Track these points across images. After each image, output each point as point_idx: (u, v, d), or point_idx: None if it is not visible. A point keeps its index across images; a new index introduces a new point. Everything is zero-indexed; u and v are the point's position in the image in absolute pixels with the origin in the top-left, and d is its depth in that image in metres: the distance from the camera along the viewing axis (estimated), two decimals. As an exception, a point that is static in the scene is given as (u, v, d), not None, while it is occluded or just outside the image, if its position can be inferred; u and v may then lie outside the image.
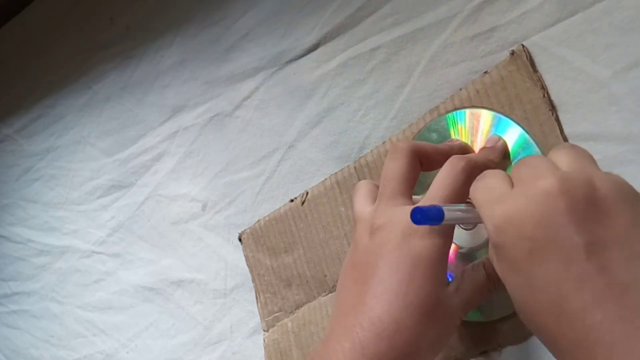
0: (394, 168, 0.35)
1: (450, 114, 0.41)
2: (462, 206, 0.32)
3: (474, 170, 0.33)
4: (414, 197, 0.36)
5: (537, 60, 0.38)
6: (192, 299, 0.58)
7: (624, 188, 0.26)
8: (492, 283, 0.34)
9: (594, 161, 0.28)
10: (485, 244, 0.38)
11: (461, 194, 0.33)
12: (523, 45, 0.38)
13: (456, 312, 0.33)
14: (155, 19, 0.59)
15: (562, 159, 0.28)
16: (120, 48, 0.62)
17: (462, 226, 0.39)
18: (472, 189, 0.30)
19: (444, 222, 0.29)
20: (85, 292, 0.67)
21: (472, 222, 0.36)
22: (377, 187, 0.37)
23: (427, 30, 0.43)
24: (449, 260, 0.36)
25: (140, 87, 0.61)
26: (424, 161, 0.36)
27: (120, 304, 0.64)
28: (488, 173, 0.30)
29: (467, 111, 0.40)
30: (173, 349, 0.59)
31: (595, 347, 0.23)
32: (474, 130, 0.39)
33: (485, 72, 0.39)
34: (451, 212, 0.30)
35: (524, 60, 0.38)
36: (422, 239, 0.32)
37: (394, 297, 0.31)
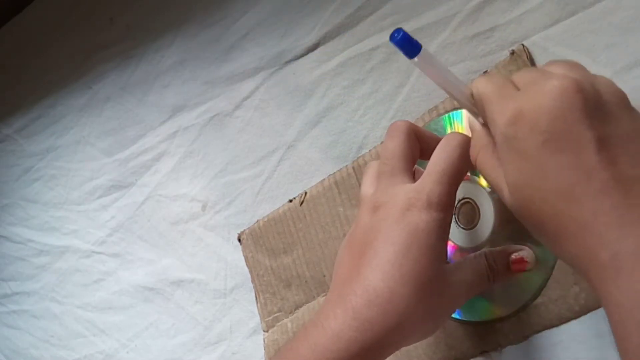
0: (392, 146, 0.35)
1: (447, 114, 0.41)
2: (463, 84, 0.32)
3: (469, 147, 0.33)
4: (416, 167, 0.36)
5: (537, 60, 0.38)
6: (192, 299, 0.58)
7: (622, 94, 0.28)
8: (492, 273, 0.34)
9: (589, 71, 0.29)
10: (485, 244, 0.38)
11: (457, 168, 0.33)
12: (523, 45, 0.38)
13: (454, 291, 0.32)
14: (155, 19, 0.59)
15: (559, 69, 0.29)
16: (120, 48, 0.62)
17: (462, 226, 0.39)
18: (476, 82, 0.31)
19: (419, 56, 0.30)
20: (85, 292, 0.67)
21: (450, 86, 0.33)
22: None
23: (426, 30, 0.43)
24: (449, 260, 0.36)
25: (140, 87, 0.61)
26: (422, 145, 0.36)
27: (120, 304, 0.64)
28: (490, 73, 0.31)
29: (465, 110, 0.40)
30: (173, 349, 0.59)
31: (604, 230, 0.25)
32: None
33: (485, 72, 0.39)
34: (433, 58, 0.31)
35: (524, 60, 0.38)
36: (420, 212, 0.31)
37: (389, 267, 0.31)
